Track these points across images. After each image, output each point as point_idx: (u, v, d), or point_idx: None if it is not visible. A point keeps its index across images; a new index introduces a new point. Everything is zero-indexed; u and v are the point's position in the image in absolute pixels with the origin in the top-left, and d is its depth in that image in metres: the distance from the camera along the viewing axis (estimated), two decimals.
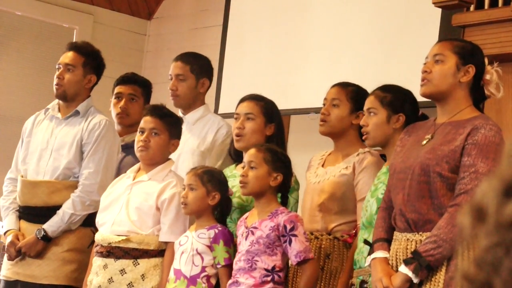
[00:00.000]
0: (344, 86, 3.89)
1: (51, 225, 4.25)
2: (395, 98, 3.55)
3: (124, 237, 3.89)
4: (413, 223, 3.15)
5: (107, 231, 3.95)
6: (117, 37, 7.21)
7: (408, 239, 3.17)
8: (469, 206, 0.90)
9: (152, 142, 3.96)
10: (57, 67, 4.46)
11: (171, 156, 4.14)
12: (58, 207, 4.29)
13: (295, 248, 3.50)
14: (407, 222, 3.17)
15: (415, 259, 3.08)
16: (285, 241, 3.52)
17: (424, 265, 3.05)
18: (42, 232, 4.24)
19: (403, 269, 3.10)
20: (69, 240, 4.30)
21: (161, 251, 3.89)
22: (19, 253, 4.29)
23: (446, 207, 3.08)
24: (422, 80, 3.25)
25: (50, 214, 4.27)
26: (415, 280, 3.08)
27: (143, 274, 3.86)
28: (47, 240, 4.26)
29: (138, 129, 4.02)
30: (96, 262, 3.95)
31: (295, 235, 3.51)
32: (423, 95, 3.29)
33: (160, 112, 4.01)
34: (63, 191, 4.31)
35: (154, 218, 3.91)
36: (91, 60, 4.46)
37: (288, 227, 3.52)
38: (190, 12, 7.10)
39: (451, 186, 3.10)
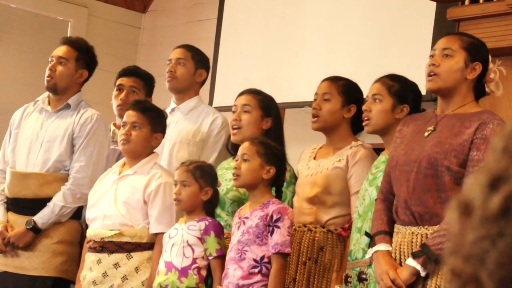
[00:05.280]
0: (334, 80, 3.89)
1: (41, 217, 4.25)
2: (402, 89, 3.56)
3: (116, 231, 3.90)
4: (419, 216, 3.15)
5: (99, 226, 3.96)
6: (111, 30, 7.20)
7: (413, 233, 3.16)
8: (456, 201, 0.91)
9: (134, 135, 3.99)
10: (50, 59, 4.48)
11: (164, 148, 4.15)
12: (48, 199, 4.29)
13: (274, 240, 3.52)
14: (413, 215, 3.17)
15: (423, 252, 3.07)
16: (268, 231, 3.54)
17: (433, 258, 3.05)
18: (32, 223, 4.24)
19: (411, 262, 3.11)
20: (59, 232, 4.29)
21: (154, 244, 3.92)
22: (8, 245, 4.28)
23: None
24: (429, 73, 3.24)
25: (40, 206, 4.28)
26: (423, 273, 3.09)
27: (137, 267, 3.88)
28: (36, 232, 4.26)
29: (121, 123, 4.05)
30: (90, 257, 3.96)
31: (278, 227, 3.53)
32: (430, 90, 3.29)
33: (142, 106, 4.06)
34: (54, 184, 4.31)
35: (143, 212, 3.94)
36: (84, 55, 4.48)
37: (275, 217, 3.54)
38: (185, 6, 7.09)
39: (458, 180, 3.11)
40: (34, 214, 4.28)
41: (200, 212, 3.82)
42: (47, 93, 4.51)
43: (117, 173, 4.06)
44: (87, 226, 4.12)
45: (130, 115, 4.03)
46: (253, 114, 3.99)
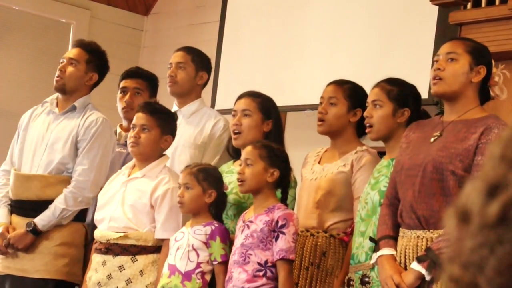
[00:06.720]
0: (340, 84, 3.88)
1: (42, 219, 4.25)
2: (402, 92, 3.55)
3: (122, 234, 3.90)
4: (425, 220, 3.15)
5: (105, 228, 3.96)
6: (114, 32, 7.20)
7: (418, 236, 3.17)
8: (454, 209, 0.91)
9: (143, 138, 3.98)
10: (61, 61, 4.47)
11: (166, 151, 4.15)
12: (51, 201, 4.28)
13: (279, 245, 3.52)
14: (418, 219, 3.17)
15: (428, 256, 3.08)
16: (273, 237, 3.54)
17: (437, 262, 3.05)
18: (32, 225, 4.24)
19: (416, 266, 3.11)
20: (61, 234, 4.28)
21: (159, 248, 3.91)
22: (8, 246, 4.28)
23: None
24: (434, 77, 3.25)
25: (42, 209, 4.26)
26: (428, 278, 3.09)
27: (141, 270, 3.88)
28: (36, 234, 4.25)
29: (131, 125, 4.05)
30: (95, 259, 3.97)
31: (283, 233, 3.52)
32: (435, 94, 3.30)
33: (151, 108, 4.03)
34: (56, 186, 4.30)
35: (149, 216, 3.93)
36: (95, 58, 4.47)
37: (280, 223, 3.53)
38: (187, 8, 7.10)
39: (463, 184, 3.11)
40: (36, 216, 4.27)
41: (207, 216, 3.81)
42: (56, 94, 4.51)
43: (126, 175, 4.06)
44: (93, 227, 4.12)
45: (139, 117, 4.02)
46: (253, 117, 3.98)
